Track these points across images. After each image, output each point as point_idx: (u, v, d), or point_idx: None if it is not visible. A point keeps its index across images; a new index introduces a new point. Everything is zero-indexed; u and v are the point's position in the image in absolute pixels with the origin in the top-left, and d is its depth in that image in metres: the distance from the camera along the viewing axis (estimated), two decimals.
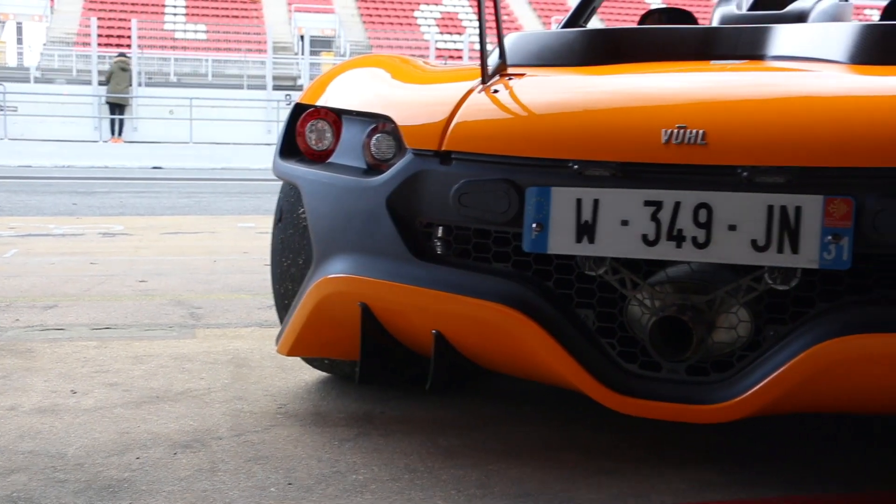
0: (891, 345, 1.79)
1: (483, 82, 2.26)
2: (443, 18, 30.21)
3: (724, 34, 2.58)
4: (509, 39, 2.67)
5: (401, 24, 30.08)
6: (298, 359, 2.83)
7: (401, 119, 2.22)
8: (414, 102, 2.29)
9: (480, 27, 2.24)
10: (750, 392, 1.87)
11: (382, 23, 29.77)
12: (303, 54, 26.12)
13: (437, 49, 27.26)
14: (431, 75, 2.49)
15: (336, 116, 2.40)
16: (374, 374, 2.33)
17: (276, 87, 23.96)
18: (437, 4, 30.78)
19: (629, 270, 2.00)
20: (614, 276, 2.00)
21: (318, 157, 2.40)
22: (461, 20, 30.42)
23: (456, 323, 2.12)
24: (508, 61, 2.41)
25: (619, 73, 2.40)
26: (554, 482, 2.05)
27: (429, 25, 29.76)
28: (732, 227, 1.85)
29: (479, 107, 2.18)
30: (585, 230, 1.95)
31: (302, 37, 27.72)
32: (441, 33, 29.22)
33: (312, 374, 2.85)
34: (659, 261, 1.97)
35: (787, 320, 1.91)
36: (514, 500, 1.96)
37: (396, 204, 2.16)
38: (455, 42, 27.93)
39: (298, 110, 2.48)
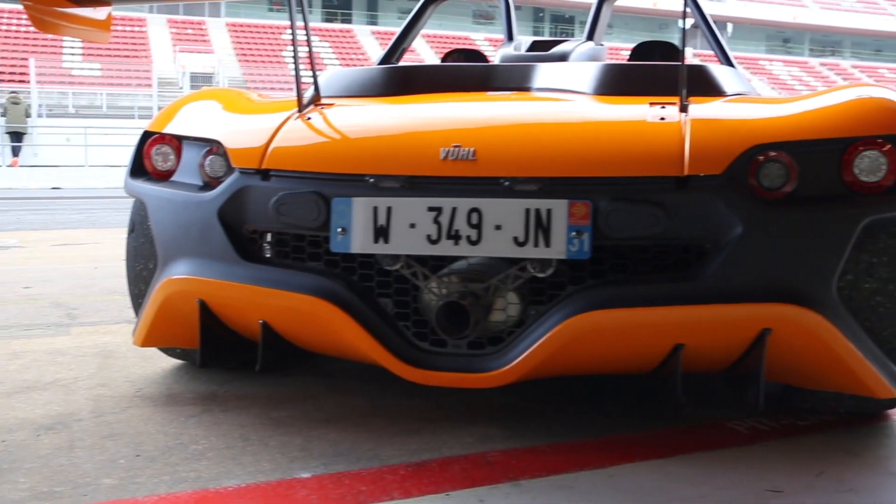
0: (621, 318, 1.88)
1: (299, 111, 2.27)
2: (305, 58, 29.87)
3: (501, 70, 2.65)
4: (324, 75, 2.68)
5: (271, 61, 29.64)
6: (158, 349, 2.76)
7: (229, 143, 2.21)
8: (240, 129, 2.28)
9: (296, 65, 2.25)
10: (517, 360, 1.93)
11: (255, 61, 29.29)
12: (185, 89, 25.54)
13: (303, 83, 26.97)
14: (258, 106, 2.47)
15: (178, 142, 2.37)
16: (212, 359, 2.31)
17: None
18: (303, 46, 30.44)
19: (420, 265, 2.03)
20: (408, 270, 2.04)
21: (163, 176, 2.37)
22: (323, 58, 30.17)
23: (279, 313, 2.12)
24: (323, 93, 2.42)
25: (410, 103, 2.44)
26: (364, 443, 2.07)
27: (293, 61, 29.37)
28: (498, 227, 1.91)
29: (294, 132, 2.19)
30: (381, 233, 1.97)
31: (185, 73, 27.01)
32: (304, 69, 28.92)
33: (169, 362, 2.79)
34: (443, 256, 2.01)
35: (545, 301, 1.98)
36: (329, 458, 1.96)
37: (226, 215, 2.16)
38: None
39: (146, 136, 2.44)
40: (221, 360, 2.51)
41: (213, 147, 2.26)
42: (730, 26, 40.04)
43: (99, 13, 2.44)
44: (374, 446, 2.04)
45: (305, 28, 2.28)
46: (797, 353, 1.97)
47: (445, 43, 32.93)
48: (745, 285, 1.89)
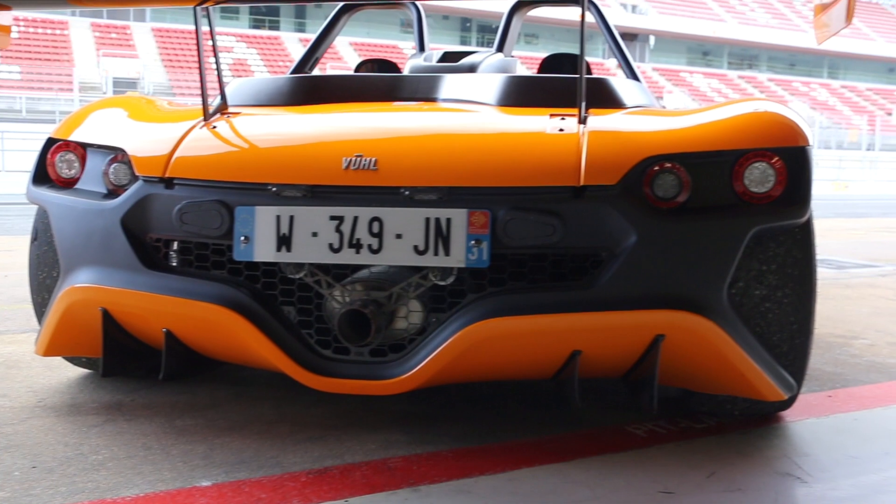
0: (519, 325, 1.91)
1: (204, 120, 2.26)
2: (234, 64, 29.58)
3: (408, 81, 2.67)
4: (232, 84, 2.67)
5: (198, 67, 29.24)
6: (63, 358, 2.70)
7: (133, 151, 2.19)
8: (146, 137, 2.25)
9: (201, 74, 2.24)
10: (418, 367, 1.94)
11: (182, 67, 28.82)
12: (108, 93, 25.03)
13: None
14: (165, 114, 2.45)
15: (82, 149, 2.33)
16: (116, 368, 2.28)
17: None
18: (229, 52, 30.10)
19: (323, 273, 2.04)
20: (312, 279, 2.04)
21: (66, 184, 2.33)
22: (250, 65, 29.87)
23: (182, 322, 2.10)
24: (230, 102, 2.41)
25: (316, 112, 2.44)
26: (267, 450, 2.06)
27: (222, 69, 29.06)
28: (399, 236, 1.92)
29: (199, 141, 2.18)
30: (284, 241, 1.97)
31: (108, 78, 26.45)
32: (233, 76, 28.64)
33: (74, 372, 2.73)
34: (347, 264, 2.02)
35: (446, 309, 2.00)
36: (232, 467, 1.95)
37: (130, 223, 2.13)
38: None
39: (49, 143, 2.39)
40: (126, 368, 2.47)
41: (117, 155, 2.23)
42: (652, 39, 40.88)
43: (1, 17, 2.38)
44: (278, 454, 2.04)
45: (212, 37, 2.26)
46: (690, 358, 2.03)
47: (373, 52, 32.89)
48: (639, 292, 1.94)
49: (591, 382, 2.03)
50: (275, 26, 37.35)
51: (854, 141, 36.66)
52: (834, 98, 43.04)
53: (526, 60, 35.15)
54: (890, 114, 42.37)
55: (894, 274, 5.76)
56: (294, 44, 31.30)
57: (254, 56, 30.55)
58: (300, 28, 37.83)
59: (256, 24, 37.00)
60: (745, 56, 46.84)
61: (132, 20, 32.16)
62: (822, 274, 5.55)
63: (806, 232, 2.10)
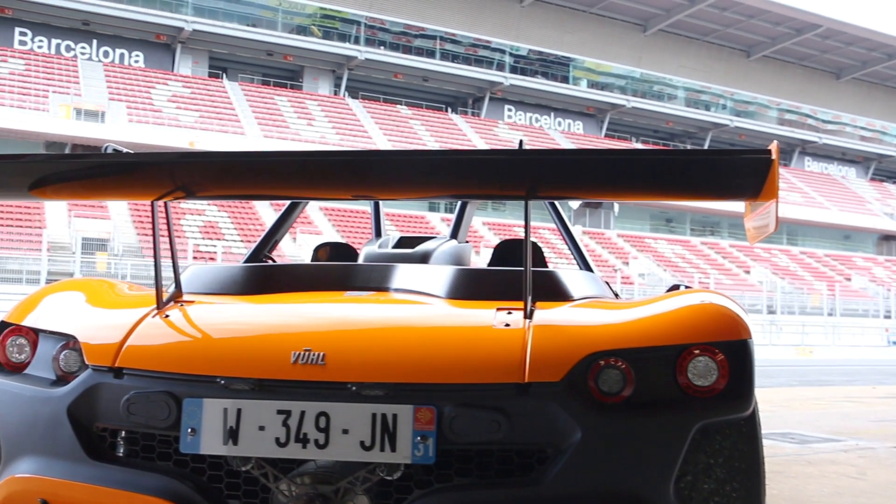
0: None
1: (158, 308, 2.29)
2: (205, 226, 29.97)
3: (361, 270, 2.74)
4: (187, 272, 2.72)
5: (153, 256, 29.45)
6: None
7: (84, 338, 2.21)
8: (98, 324, 2.28)
9: (155, 262, 2.29)
10: None
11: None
12: (77, 253, 25.18)
13: (197, 251, 27.02)
14: (120, 300, 2.48)
15: (34, 334, 2.34)
16: None
17: (49, 282, 22.75)
18: (200, 215, 30.55)
19: (271, 466, 2.02)
20: (259, 471, 2.02)
21: (15, 368, 2.33)
22: (220, 228, 30.27)
23: None
24: (186, 290, 2.45)
25: (267, 303, 2.49)
26: None
27: (193, 231, 29.40)
28: (346, 431, 1.93)
29: (150, 330, 2.21)
30: (231, 434, 1.97)
31: (78, 238, 26.64)
32: (203, 238, 28.93)
33: None
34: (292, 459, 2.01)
35: None
36: None
37: (76, 411, 2.12)
38: (213, 246, 27.70)
39: (2, 327, 2.40)
40: None
41: (68, 342, 2.25)
42: (616, 206, 42.09)
43: None
44: None
45: (168, 229, 2.33)
46: None
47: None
48: (586, 489, 1.94)
49: None
50: None
51: (816, 305, 37.40)
52: (794, 263, 44.19)
53: (494, 226, 35.98)
54: (849, 279, 43.45)
55: (856, 449, 5.77)
56: (265, 207, 31.86)
57: (224, 219, 30.99)
58: None
59: None
60: (706, 223, 48.26)
61: None
62: (784, 449, 5.55)
63: (751, 425, 2.13)
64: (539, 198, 2.16)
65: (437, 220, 35.10)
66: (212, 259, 26.11)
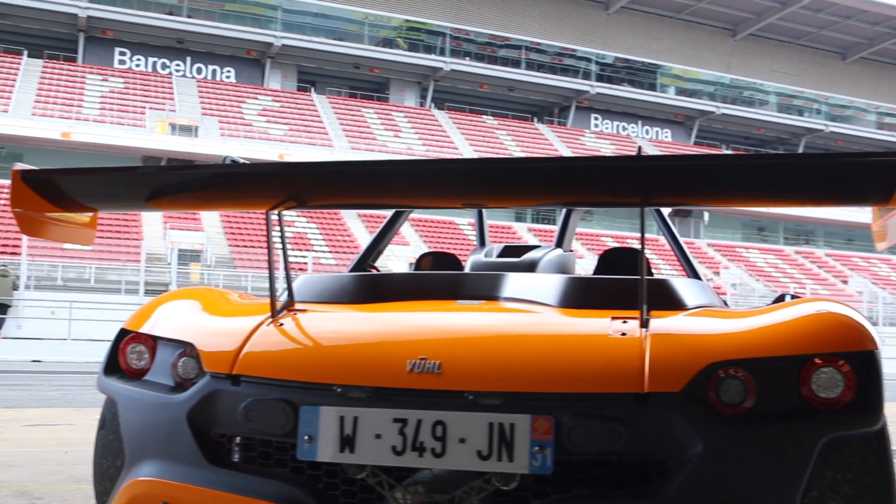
0: None
1: (272, 316, 2.33)
2: (294, 237, 30.49)
3: (469, 280, 2.74)
4: (298, 280, 2.76)
5: (259, 243, 30.14)
6: None
7: (202, 346, 2.26)
8: (215, 332, 2.33)
9: (270, 270, 2.32)
10: None
11: (244, 240, 29.78)
12: (173, 265, 25.87)
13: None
14: (234, 308, 2.53)
15: (153, 341, 2.41)
16: None
17: (147, 293, 23.42)
18: (289, 226, 31.06)
19: (386, 474, 2.03)
20: (374, 479, 2.03)
21: (136, 375, 2.39)
22: (310, 239, 30.75)
23: None
24: (297, 298, 2.48)
25: (380, 311, 2.50)
26: None
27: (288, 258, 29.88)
28: (462, 441, 1.92)
29: (266, 338, 2.24)
30: (347, 442, 1.99)
31: (174, 249, 27.39)
32: (292, 249, 29.43)
33: None
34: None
35: None
36: None
37: (195, 417, 2.17)
38: (304, 257, 28.15)
39: (122, 334, 2.48)
40: None
41: (186, 349, 2.30)
42: (706, 215, 41.30)
43: (85, 215, 2.53)
44: None
45: (282, 238, 2.36)
46: None
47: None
48: (708, 503, 1.88)
49: None
50: None
51: None
52: None
53: (581, 236, 35.65)
54: None
55: None
56: (353, 220, 32.25)
57: (314, 230, 31.48)
58: None
59: None
60: (801, 231, 46.93)
61: None
62: None
63: (881, 439, 2.04)
64: (653, 204, 2.13)
65: (524, 230, 34.97)
66: (301, 270, 26.56)
